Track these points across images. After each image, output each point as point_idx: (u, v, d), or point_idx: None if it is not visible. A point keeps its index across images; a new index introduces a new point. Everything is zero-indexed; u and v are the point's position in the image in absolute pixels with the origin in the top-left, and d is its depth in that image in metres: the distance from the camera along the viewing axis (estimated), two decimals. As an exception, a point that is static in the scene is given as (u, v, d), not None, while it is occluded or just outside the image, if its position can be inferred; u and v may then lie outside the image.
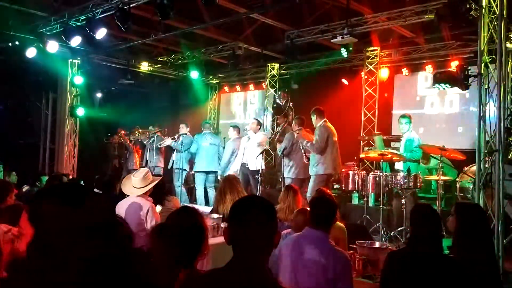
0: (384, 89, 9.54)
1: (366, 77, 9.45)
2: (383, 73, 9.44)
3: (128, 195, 4.01)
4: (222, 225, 3.87)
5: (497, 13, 4.19)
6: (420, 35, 8.61)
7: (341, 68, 10.13)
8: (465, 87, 4.37)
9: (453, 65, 7.97)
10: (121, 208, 3.83)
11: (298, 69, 10.76)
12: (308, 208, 3.20)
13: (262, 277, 1.53)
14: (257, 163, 7.47)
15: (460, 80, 4.32)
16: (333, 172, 6.55)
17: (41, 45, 8.09)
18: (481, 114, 4.21)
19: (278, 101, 10.76)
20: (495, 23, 4.21)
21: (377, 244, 3.52)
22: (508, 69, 7.88)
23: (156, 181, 3.98)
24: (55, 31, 7.96)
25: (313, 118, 6.67)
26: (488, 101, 4.20)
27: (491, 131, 4.18)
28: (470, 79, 4.34)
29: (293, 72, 10.83)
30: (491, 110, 4.22)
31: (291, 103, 9.22)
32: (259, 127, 7.91)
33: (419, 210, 2.71)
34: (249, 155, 7.59)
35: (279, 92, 9.85)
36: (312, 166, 6.44)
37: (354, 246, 3.52)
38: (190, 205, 7.72)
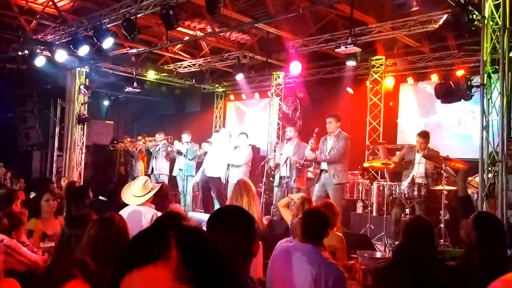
0: (390, 98, 9.54)
1: (371, 86, 9.47)
2: (388, 82, 9.44)
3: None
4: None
5: (500, 23, 4.20)
6: (425, 44, 8.62)
7: (346, 77, 10.15)
8: (468, 97, 4.38)
9: (459, 75, 7.95)
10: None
11: (304, 78, 10.80)
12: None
13: (242, 286, 1.55)
14: (218, 170, 7.72)
15: (462, 91, 4.33)
16: None
17: (49, 54, 8.22)
18: (484, 124, 4.21)
19: (284, 109, 10.85)
20: (498, 33, 4.22)
21: (378, 254, 3.51)
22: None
23: (156, 189, 3.99)
24: (64, 40, 8.09)
25: (336, 123, 6.55)
26: (491, 112, 4.20)
27: (494, 141, 4.17)
28: (473, 90, 4.34)
29: (299, 81, 10.88)
30: (494, 120, 4.21)
31: (299, 112, 9.27)
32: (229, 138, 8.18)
33: (413, 223, 2.69)
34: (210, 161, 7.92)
35: (288, 101, 9.92)
36: (334, 175, 6.36)
37: (355, 256, 3.51)
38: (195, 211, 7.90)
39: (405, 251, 2.49)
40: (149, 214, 3.93)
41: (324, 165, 6.49)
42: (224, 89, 12.79)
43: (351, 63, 8.55)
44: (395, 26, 7.32)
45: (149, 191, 3.98)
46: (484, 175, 4.21)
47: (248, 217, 1.70)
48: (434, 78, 8.83)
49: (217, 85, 12.55)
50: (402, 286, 2.35)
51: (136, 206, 3.95)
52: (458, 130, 8.88)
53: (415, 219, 2.75)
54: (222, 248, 1.56)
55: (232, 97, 12.80)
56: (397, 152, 8.29)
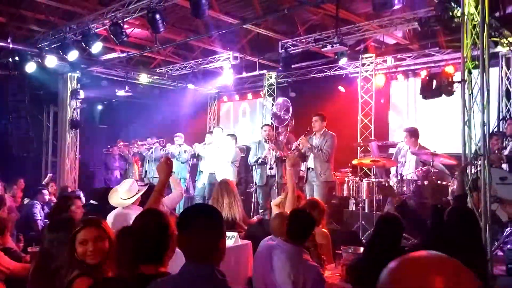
0: (381, 95, 9.60)
1: (362, 84, 9.52)
2: (379, 79, 9.50)
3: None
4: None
5: (479, 19, 4.25)
6: (414, 42, 8.69)
7: (338, 76, 10.22)
8: (450, 93, 4.44)
9: (448, 71, 8.01)
10: (108, 220, 3.86)
11: (296, 77, 10.86)
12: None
13: (213, 282, 1.60)
14: (228, 174, 7.59)
15: (444, 87, 4.38)
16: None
17: (40, 60, 8.24)
18: (466, 119, 4.26)
19: (275, 110, 10.86)
20: (478, 29, 4.27)
21: (361, 250, 3.56)
22: (503, 73, 7.95)
23: (143, 191, 4.02)
24: (54, 45, 8.11)
25: (322, 123, 6.59)
26: (472, 107, 4.25)
27: (476, 136, 4.22)
28: (455, 85, 4.40)
29: (291, 80, 10.94)
30: (476, 115, 4.26)
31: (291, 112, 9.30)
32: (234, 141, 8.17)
33: (384, 218, 2.74)
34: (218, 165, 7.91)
35: (281, 100, 9.94)
36: (320, 173, 6.40)
37: (339, 252, 3.57)
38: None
39: (373, 246, 2.54)
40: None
41: (310, 163, 6.53)
42: (217, 91, 12.83)
43: (342, 61, 8.64)
44: (382, 24, 7.39)
45: (136, 193, 4.00)
46: (467, 170, 4.26)
47: (215, 214, 1.75)
48: (424, 75, 8.87)
49: (210, 87, 12.58)
50: (370, 278, 2.39)
51: (123, 209, 3.98)
52: (449, 125, 8.92)
53: (384, 217, 2.80)
54: (190, 244, 1.62)
55: (225, 98, 12.84)
56: (389, 149, 8.37)
